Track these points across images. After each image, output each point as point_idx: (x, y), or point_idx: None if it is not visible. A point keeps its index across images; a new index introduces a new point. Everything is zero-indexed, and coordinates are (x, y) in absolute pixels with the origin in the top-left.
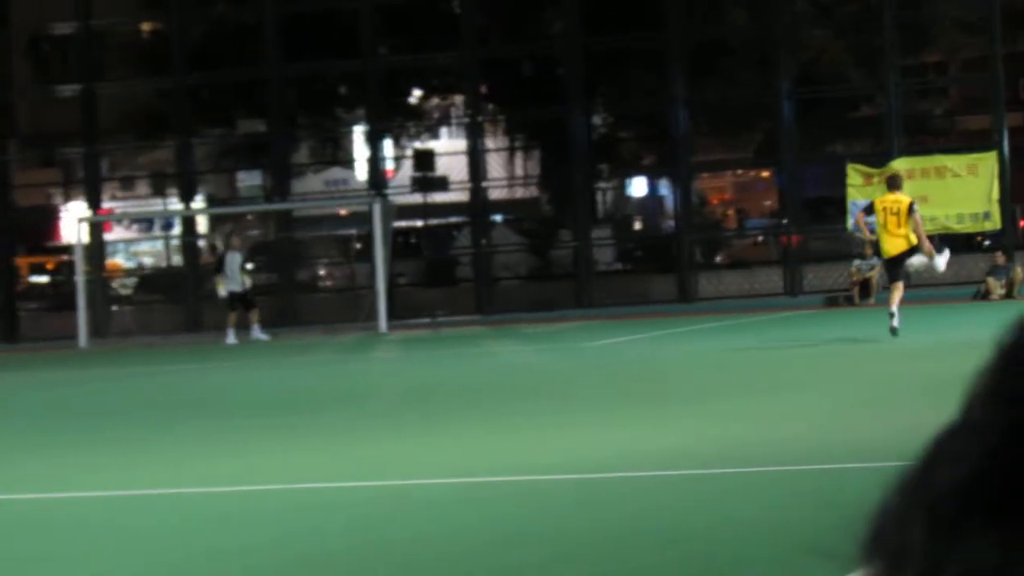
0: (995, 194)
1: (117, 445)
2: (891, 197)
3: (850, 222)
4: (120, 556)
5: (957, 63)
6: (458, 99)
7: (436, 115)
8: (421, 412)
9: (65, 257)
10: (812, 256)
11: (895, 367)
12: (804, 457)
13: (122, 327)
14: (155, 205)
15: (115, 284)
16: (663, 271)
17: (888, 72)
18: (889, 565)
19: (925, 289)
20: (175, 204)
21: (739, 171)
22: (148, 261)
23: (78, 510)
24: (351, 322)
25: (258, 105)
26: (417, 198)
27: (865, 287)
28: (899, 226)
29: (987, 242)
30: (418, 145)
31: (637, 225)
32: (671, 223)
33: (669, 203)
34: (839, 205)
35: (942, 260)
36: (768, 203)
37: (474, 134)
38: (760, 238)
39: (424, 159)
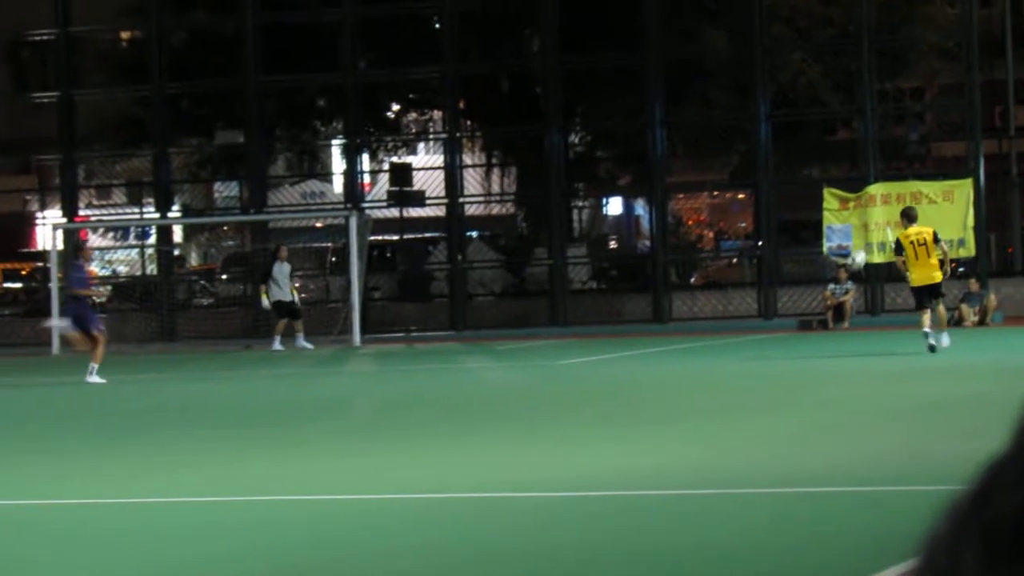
0: (970, 221)
1: (85, 453)
2: (914, 230)
3: (826, 246)
4: (84, 564)
5: (934, 89)
6: (436, 114)
7: (414, 130)
8: (393, 427)
9: (40, 264)
10: (787, 279)
11: (867, 391)
12: (776, 480)
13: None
14: (131, 214)
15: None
16: (637, 291)
17: (865, 97)
18: None
19: (899, 315)
20: (151, 213)
21: (715, 192)
22: (123, 270)
23: (44, 517)
24: (325, 335)
25: (236, 115)
26: (393, 212)
27: (839, 311)
28: (929, 255)
29: (961, 269)
30: (395, 159)
31: (612, 244)
32: (646, 243)
33: (645, 223)
34: (815, 228)
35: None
36: (743, 225)
37: (451, 150)
38: (735, 260)
39: (401, 173)
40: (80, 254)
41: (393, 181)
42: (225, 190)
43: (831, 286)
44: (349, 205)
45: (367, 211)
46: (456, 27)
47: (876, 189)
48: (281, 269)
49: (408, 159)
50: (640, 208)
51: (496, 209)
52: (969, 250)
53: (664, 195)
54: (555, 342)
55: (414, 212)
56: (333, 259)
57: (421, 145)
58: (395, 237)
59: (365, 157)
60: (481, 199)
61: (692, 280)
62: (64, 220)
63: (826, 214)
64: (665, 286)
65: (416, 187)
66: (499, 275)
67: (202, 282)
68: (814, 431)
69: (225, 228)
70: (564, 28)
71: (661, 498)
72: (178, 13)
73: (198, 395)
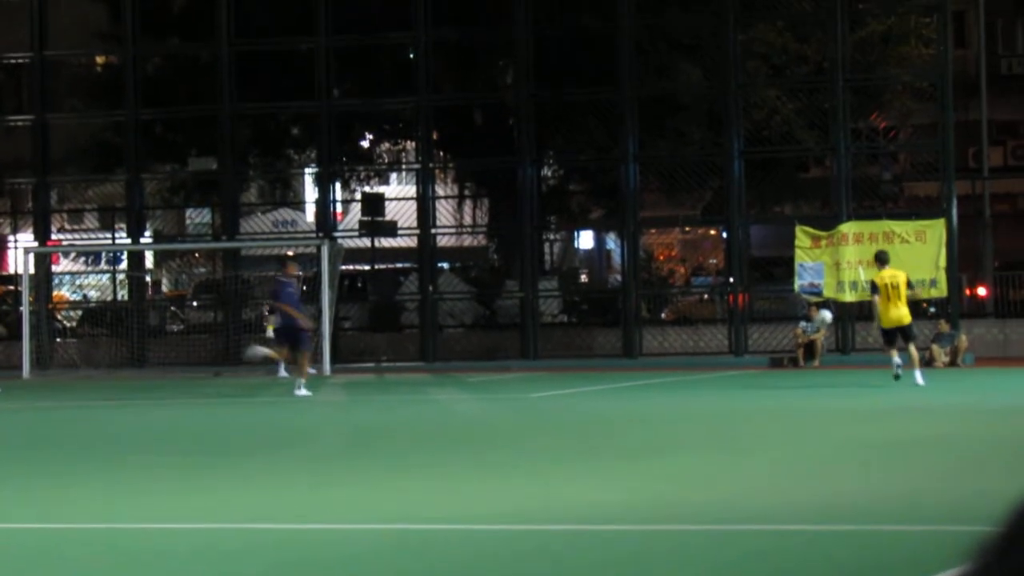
0: (942, 261)
1: (51, 478)
2: (887, 272)
3: (798, 284)
4: None
5: (908, 129)
6: (409, 145)
7: (387, 160)
8: (363, 457)
9: (11, 287)
10: (758, 316)
11: (835, 430)
12: (745, 516)
13: (65, 360)
14: (103, 239)
15: (60, 316)
16: (608, 325)
17: (839, 135)
18: None
19: (870, 354)
20: (123, 238)
21: (687, 228)
22: (94, 295)
23: (9, 540)
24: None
25: (210, 142)
26: (365, 242)
27: (810, 349)
28: (899, 298)
29: (932, 309)
30: (368, 189)
31: (584, 278)
32: (617, 277)
33: (616, 257)
34: (787, 266)
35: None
36: (715, 261)
37: (424, 180)
38: (706, 296)
39: (373, 203)
40: None
41: (365, 211)
42: (197, 217)
43: (802, 324)
44: (321, 234)
45: (339, 240)
46: (430, 58)
47: (848, 228)
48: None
49: (380, 189)
50: (612, 242)
51: (468, 241)
52: (941, 290)
53: (636, 230)
54: (525, 375)
55: (386, 242)
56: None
57: (394, 175)
58: (366, 267)
59: (338, 186)
60: (453, 230)
61: (663, 315)
62: (36, 244)
63: (798, 252)
64: (636, 321)
65: (388, 217)
66: (470, 307)
67: (172, 308)
68: (783, 468)
69: (197, 255)
70: (538, 61)
71: (630, 533)
72: (153, 39)
73: (167, 422)
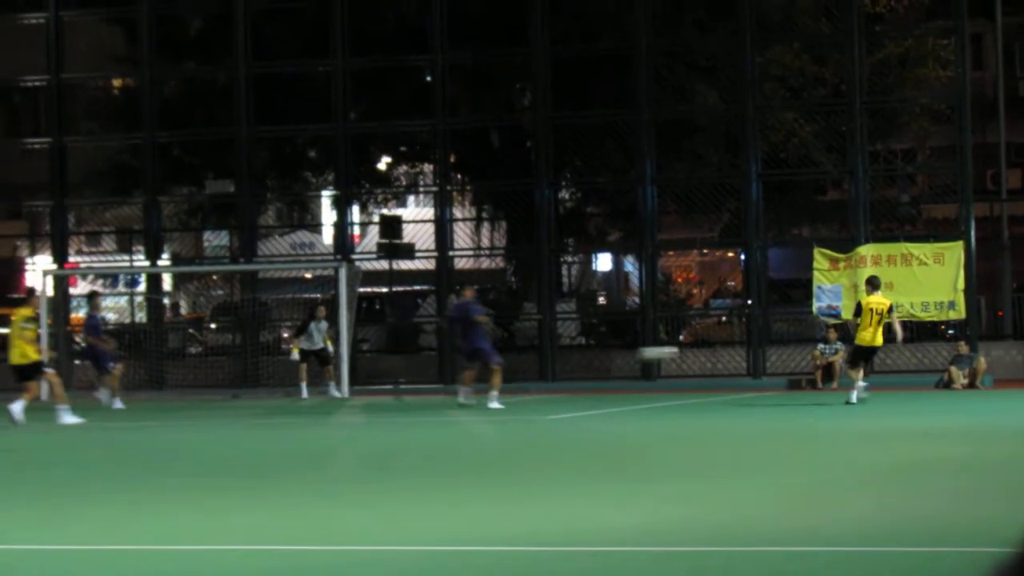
0: (960, 284)
1: (67, 499)
2: (875, 299)
3: (816, 306)
4: None
5: (926, 151)
6: (427, 167)
7: (404, 182)
8: (380, 479)
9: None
10: (776, 338)
11: (853, 451)
12: (762, 539)
13: (84, 382)
14: (121, 261)
15: (78, 338)
16: (626, 347)
17: (857, 157)
18: None
19: (890, 376)
20: (141, 261)
21: (705, 250)
22: (112, 317)
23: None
24: (313, 386)
25: (227, 165)
26: (383, 264)
27: (828, 371)
28: (880, 324)
29: (951, 331)
30: (385, 211)
31: (601, 300)
32: (635, 300)
33: (634, 280)
34: (805, 288)
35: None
36: (733, 283)
37: (442, 203)
38: (724, 318)
39: (391, 226)
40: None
41: (383, 233)
42: (215, 239)
43: (820, 346)
44: (339, 256)
45: (356, 263)
46: (447, 80)
47: (867, 250)
48: (318, 327)
49: (398, 211)
50: (629, 264)
51: (486, 263)
52: (959, 312)
53: (654, 252)
54: (543, 397)
55: (404, 264)
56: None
57: (411, 198)
58: (384, 289)
59: (355, 209)
60: (471, 252)
61: (681, 337)
62: (54, 266)
63: (816, 274)
64: (654, 343)
65: (406, 239)
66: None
67: (191, 330)
68: (801, 490)
69: (214, 277)
70: (556, 83)
71: (648, 554)
72: (170, 62)
73: (185, 444)
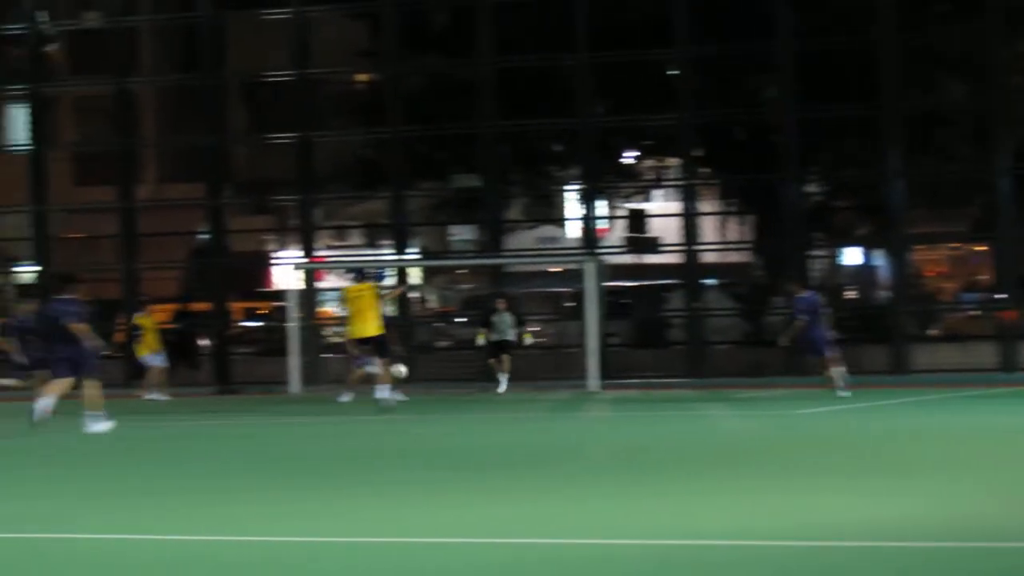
0: None
1: (319, 492)
2: None
3: None
4: None
5: None
6: (672, 161)
7: (649, 176)
8: (630, 472)
9: (277, 303)
10: None
11: None
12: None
13: (332, 375)
14: (368, 255)
15: (326, 332)
16: (874, 341)
17: None
18: None
19: None
20: (388, 255)
21: (954, 244)
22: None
23: (258, 555)
24: (561, 380)
25: (472, 160)
26: (629, 259)
27: None
28: None
29: None
30: (631, 206)
31: (849, 295)
32: (884, 294)
33: (882, 274)
34: None
35: None
36: (984, 277)
37: (687, 197)
38: (975, 312)
39: (637, 220)
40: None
41: (629, 227)
42: (462, 233)
43: None
44: (585, 251)
45: (602, 257)
46: (692, 74)
47: None
48: (501, 319)
49: (643, 206)
50: (877, 259)
51: (732, 257)
52: None
53: (903, 246)
54: (791, 391)
55: (650, 258)
56: (569, 304)
57: (657, 192)
58: (631, 283)
59: (601, 203)
60: (717, 247)
61: (932, 332)
62: (301, 260)
63: None
64: (904, 337)
65: (651, 234)
66: (735, 323)
67: (439, 324)
68: None
69: (461, 271)
70: (801, 76)
71: (904, 550)
72: (415, 57)
73: (435, 438)
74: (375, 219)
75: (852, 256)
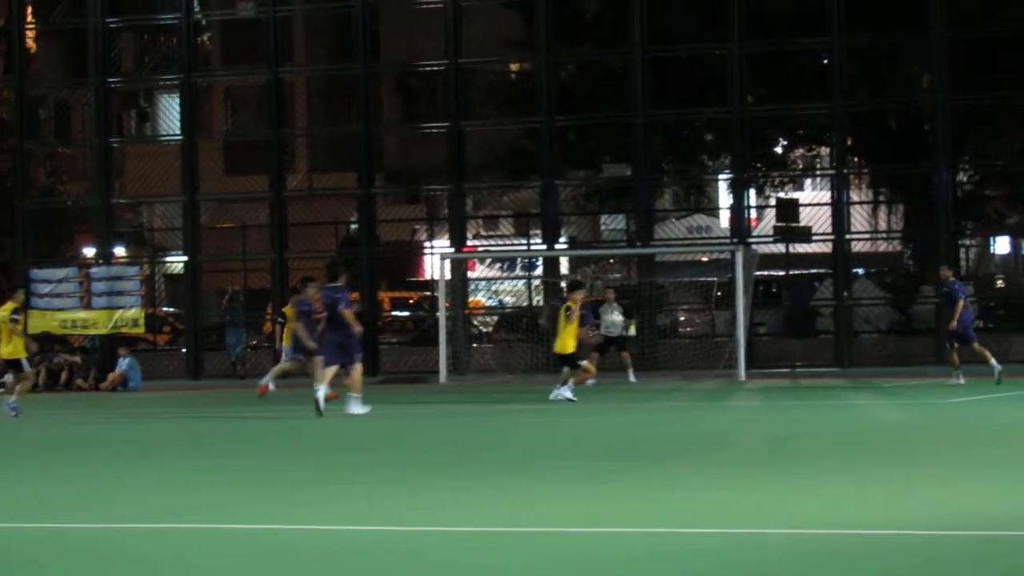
0: None
1: (456, 481)
2: None
3: None
4: None
5: None
6: (823, 150)
7: (800, 165)
8: (778, 461)
9: (426, 293)
10: None
11: None
12: None
13: (481, 365)
14: (518, 244)
15: (476, 322)
16: None
17: None
18: None
19: None
20: (538, 244)
21: None
22: (509, 300)
23: (413, 545)
24: (710, 369)
25: (623, 149)
26: (779, 248)
27: None
28: None
29: None
30: (782, 195)
31: (1000, 284)
32: None
33: None
34: None
35: None
36: None
37: (839, 186)
38: None
39: (787, 209)
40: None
41: (779, 216)
42: (612, 223)
43: None
44: (735, 240)
45: (753, 246)
46: (844, 63)
47: None
48: (608, 309)
49: (795, 195)
50: None
51: (883, 246)
52: None
53: None
54: (941, 380)
55: (800, 248)
56: (718, 294)
57: (808, 181)
58: (780, 273)
59: (752, 192)
60: (867, 236)
61: None
62: (452, 250)
63: None
64: None
65: (802, 223)
66: (885, 312)
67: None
68: None
69: (611, 260)
70: (954, 64)
71: None
72: (567, 46)
73: (580, 428)
74: (525, 208)
75: (1003, 245)
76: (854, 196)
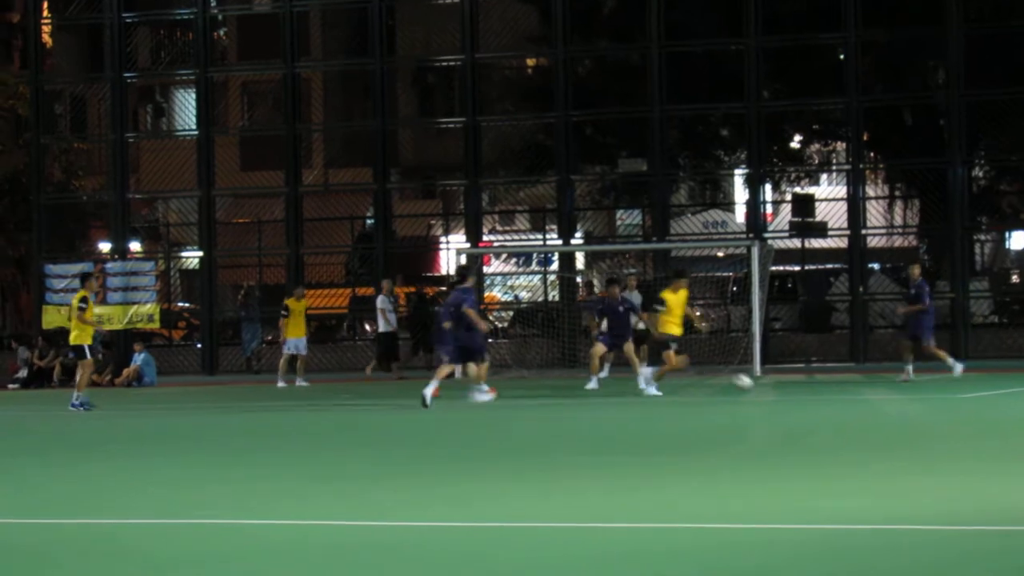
0: None
1: (471, 476)
2: None
3: None
4: None
5: None
6: (839, 146)
7: (817, 161)
8: (794, 455)
9: (442, 288)
10: None
11: None
12: None
13: (497, 360)
14: (534, 240)
15: (492, 317)
16: None
17: None
18: None
19: None
20: (554, 239)
21: None
22: (524, 295)
23: (426, 539)
24: (725, 364)
25: (640, 144)
26: (795, 243)
27: None
28: None
29: None
30: (798, 190)
31: (1015, 279)
32: None
33: None
34: None
35: None
36: None
37: (854, 181)
38: None
39: (803, 204)
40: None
41: (795, 212)
42: (628, 218)
43: None
44: (751, 235)
45: (769, 241)
46: (860, 58)
47: None
48: (632, 297)
49: (810, 190)
50: None
51: (898, 241)
52: None
53: None
54: (955, 375)
55: (816, 243)
56: (734, 288)
57: (824, 176)
58: (796, 268)
59: (768, 187)
60: (883, 231)
61: None
62: (468, 245)
63: None
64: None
65: (818, 218)
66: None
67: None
68: None
69: (627, 256)
70: (969, 60)
71: None
72: (584, 41)
73: (594, 422)
74: (541, 204)
75: (1018, 240)
76: (870, 191)
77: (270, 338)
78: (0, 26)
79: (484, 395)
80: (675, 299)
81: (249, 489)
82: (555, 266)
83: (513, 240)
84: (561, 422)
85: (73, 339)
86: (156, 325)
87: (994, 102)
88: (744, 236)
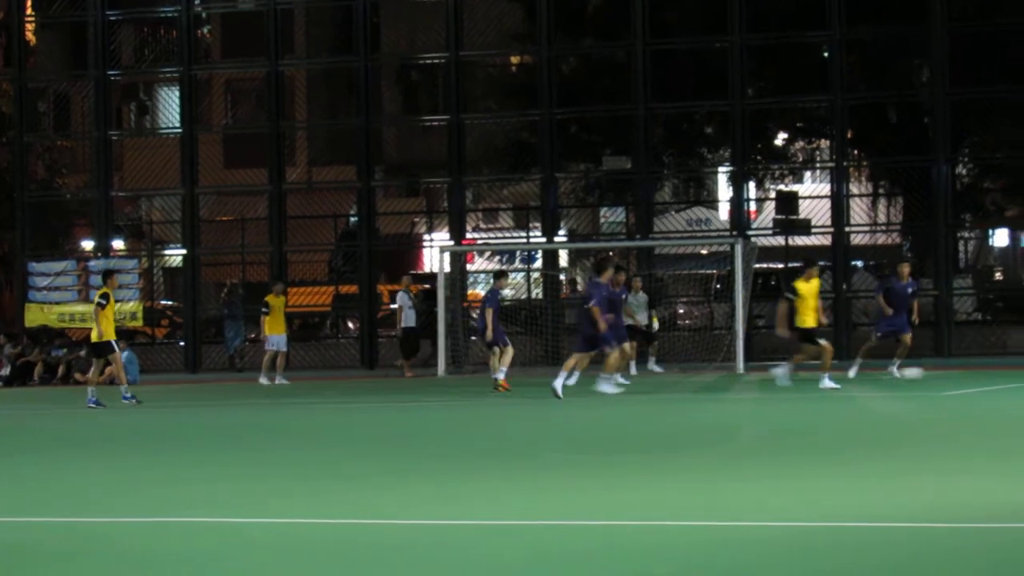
0: None
1: (461, 475)
2: None
3: None
4: None
5: None
6: (823, 143)
7: (800, 158)
8: (778, 453)
9: (426, 286)
10: None
11: None
12: None
13: (480, 358)
14: (518, 237)
15: (475, 315)
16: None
17: None
18: None
19: None
20: (538, 237)
21: None
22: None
23: (420, 538)
24: (708, 362)
25: (624, 141)
26: (779, 240)
27: None
28: None
29: None
30: (782, 187)
31: (998, 276)
32: None
33: None
34: None
35: None
36: None
37: (838, 179)
38: None
39: (787, 202)
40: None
41: (779, 209)
42: (612, 215)
43: None
44: (735, 233)
45: (752, 239)
46: (844, 56)
47: None
48: (636, 299)
49: (794, 187)
50: None
51: (882, 239)
52: None
53: None
54: (939, 373)
55: (799, 240)
56: (717, 286)
57: (808, 173)
58: (780, 265)
59: (751, 185)
60: (867, 228)
61: None
62: (451, 242)
63: None
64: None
65: (802, 216)
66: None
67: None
68: None
69: (611, 253)
70: (953, 59)
71: None
72: (569, 39)
73: (578, 421)
74: (525, 201)
75: (1001, 237)
76: (853, 189)
77: (253, 336)
78: None
79: (611, 387)
80: (807, 288)
81: (236, 487)
82: (539, 264)
83: (497, 238)
84: (543, 420)
85: (95, 336)
86: (139, 323)
87: (978, 100)
88: (728, 234)
